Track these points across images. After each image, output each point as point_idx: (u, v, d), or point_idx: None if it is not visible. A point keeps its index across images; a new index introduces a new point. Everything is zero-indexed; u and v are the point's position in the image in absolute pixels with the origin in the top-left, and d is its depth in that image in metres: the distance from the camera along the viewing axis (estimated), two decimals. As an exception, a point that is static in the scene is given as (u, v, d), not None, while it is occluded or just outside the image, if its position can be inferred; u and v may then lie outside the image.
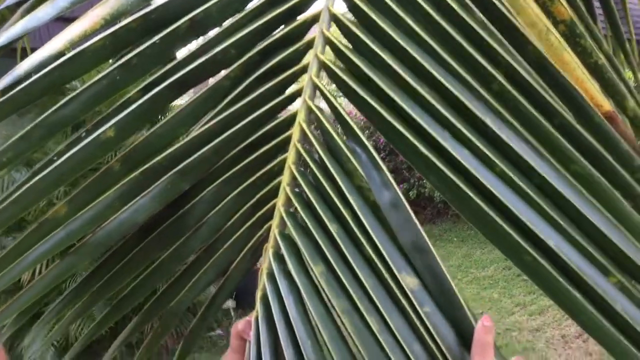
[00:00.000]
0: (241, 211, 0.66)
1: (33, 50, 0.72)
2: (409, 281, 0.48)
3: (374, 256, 0.51)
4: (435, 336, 0.48)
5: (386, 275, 0.51)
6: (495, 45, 0.55)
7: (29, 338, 3.00)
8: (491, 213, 0.49)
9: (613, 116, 0.57)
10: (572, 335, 3.48)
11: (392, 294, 0.51)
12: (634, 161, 0.52)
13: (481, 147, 0.52)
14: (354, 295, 0.51)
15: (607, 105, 0.57)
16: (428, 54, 0.59)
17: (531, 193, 0.51)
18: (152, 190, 0.68)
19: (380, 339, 0.50)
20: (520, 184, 0.50)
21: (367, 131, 5.14)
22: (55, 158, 0.69)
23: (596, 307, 0.46)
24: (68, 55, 0.64)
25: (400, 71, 0.59)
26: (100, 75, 0.65)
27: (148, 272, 0.75)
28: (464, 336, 0.50)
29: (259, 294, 0.60)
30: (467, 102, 0.53)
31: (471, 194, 0.50)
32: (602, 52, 0.66)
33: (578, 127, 0.51)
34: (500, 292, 4.20)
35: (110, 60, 0.68)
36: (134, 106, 0.65)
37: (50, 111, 0.66)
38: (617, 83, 0.61)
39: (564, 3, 0.65)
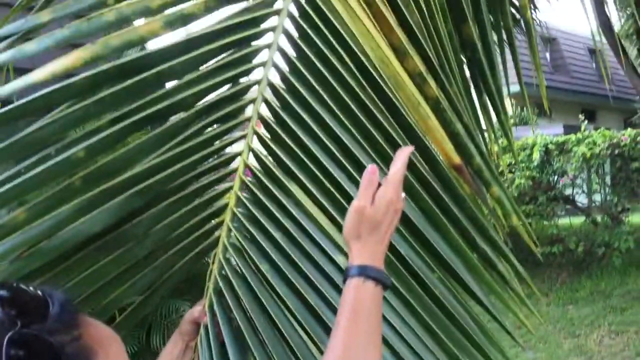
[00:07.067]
0: (186, 225, 0.95)
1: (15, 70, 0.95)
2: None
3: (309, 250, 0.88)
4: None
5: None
6: (377, 114, 0.95)
7: None
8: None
9: (461, 168, 0.99)
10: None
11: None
12: (465, 203, 0.93)
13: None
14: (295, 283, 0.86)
15: (457, 160, 1.00)
16: (332, 116, 0.98)
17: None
18: (110, 205, 0.94)
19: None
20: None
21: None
22: (22, 171, 0.92)
23: (425, 292, 0.87)
24: (56, 85, 0.89)
25: (313, 126, 0.98)
26: (77, 107, 0.92)
27: (87, 274, 0.99)
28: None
29: (210, 287, 0.91)
30: (358, 155, 0.97)
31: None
32: (461, 122, 1.06)
33: (427, 175, 0.93)
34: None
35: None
36: (104, 133, 0.94)
37: (28, 131, 0.91)
38: (469, 146, 1.06)
39: (432, 86, 1.05)
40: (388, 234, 0.78)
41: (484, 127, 1.49)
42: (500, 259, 1.00)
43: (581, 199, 7.68)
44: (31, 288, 0.58)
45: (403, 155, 0.81)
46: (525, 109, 8.03)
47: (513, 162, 6.66)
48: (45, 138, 0.96)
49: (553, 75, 14.53)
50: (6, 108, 0.93)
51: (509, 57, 1.63)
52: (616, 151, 6.58)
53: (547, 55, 15.42)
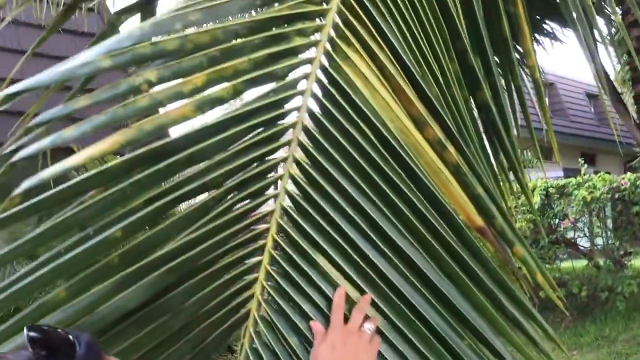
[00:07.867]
0: (218, 299, 1.00)
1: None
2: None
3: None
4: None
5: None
6: (398, 182, 1.02)
7: None
8: (394, 298, 0.97)
9: (484, 229, 1.05)
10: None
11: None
12: (489, 264, 0.99)
13: (387, 251, 1.01)
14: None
15: (479, 222, 1.06)
16: (355, 188, 1.05)
17: (417, 283, 0.99)
18: (145, 282, 0.99)
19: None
20: (411, 277, 0.99)
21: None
22: (62, 251, 0.97)
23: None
24: (95, 170, 0.95)
25: (336, 198, 1.04)
26: (113, 189, 0.97)
27: (123, 348, 1.03)
28: None
29: (241, 360, 0.96)
30: (379, 221, 1.03)
31: (381, 284, 0.93)
32: (481, 185, 1.12)
33: (450, 240, 0.99)
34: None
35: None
36: (139, 213, 0.99)
37: (68, 214, 0.95)
38: (490, 207, 1.12)
39: (452, 151, 1.11)
40: (349, 340, 0.93)
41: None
42: (528, 319, 1.05)
43: (583, 243, 7.71)
44: (59, 330, 0.63)
45: (338, 297, 0.98)
46: (525, 151, 8.18)
47: (514, 206, 6.72)
48: (85, 219, 1.02)
49: (552, 119, 14.67)
50: (47, 193, 0.99)
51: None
52: (617, 195, 6.66)
53: (546, 99, 15.65)
